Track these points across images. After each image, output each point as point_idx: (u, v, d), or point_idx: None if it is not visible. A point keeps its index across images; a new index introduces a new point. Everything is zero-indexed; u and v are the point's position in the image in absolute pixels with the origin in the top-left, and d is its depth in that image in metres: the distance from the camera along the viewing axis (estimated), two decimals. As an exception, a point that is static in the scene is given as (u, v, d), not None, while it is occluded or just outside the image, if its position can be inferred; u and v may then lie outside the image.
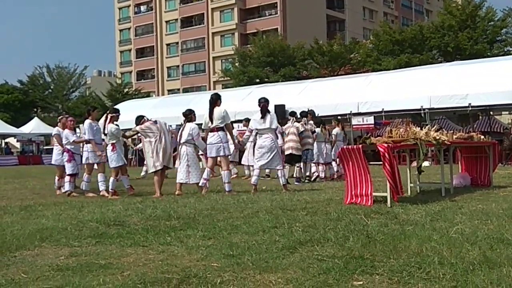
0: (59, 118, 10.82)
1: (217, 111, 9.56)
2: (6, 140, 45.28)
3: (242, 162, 15.43)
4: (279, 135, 11.64)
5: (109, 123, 10.14)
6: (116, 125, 10.22)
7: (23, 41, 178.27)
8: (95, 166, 10.54)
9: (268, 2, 59.82)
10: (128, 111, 21.09)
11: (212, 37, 63.42)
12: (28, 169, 28.57)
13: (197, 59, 64.51)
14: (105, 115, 10.72)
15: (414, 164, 9.20)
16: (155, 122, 9.93)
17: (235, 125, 16.44)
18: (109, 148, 10.10)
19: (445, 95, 20.91)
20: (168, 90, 65.56)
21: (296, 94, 25.63)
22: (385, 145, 7.00)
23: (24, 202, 9.00)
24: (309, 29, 54.12)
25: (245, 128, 13.40)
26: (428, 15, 73.98)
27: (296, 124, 12.30)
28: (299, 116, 12.82)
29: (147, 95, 58.82)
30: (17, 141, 45.54)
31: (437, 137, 8.05)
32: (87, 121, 10.19)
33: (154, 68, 69.39)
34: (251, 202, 7.73)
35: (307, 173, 13.09)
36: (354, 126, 23.55)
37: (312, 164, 13.32)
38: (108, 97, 55.31)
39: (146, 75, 70.44)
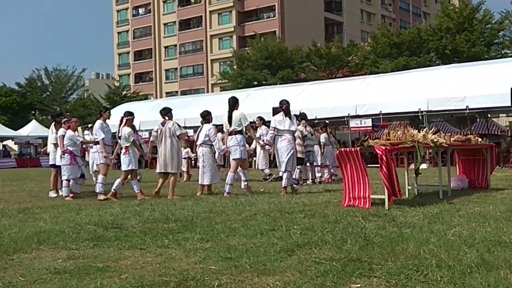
0: (64, 120, 10.73)
1: (235, 114, 9.85)
2: (4, 143, 45.19)
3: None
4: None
5: (123, 126, 10.12)
6: (133, 127, 10.28)
7: (21, 44, 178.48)
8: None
9: (266, 4, 59.82)
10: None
11: (210, 40, 63.39)
12: (26, 171, 28.52)
13: (195, 61, 64.47)
14: (119, 118, 10.47)
15: (412, 166, 9.22)
16: (162, 124, 9.86)
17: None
18: (122, 151, 10.03)
19: (443, 98, 20.93)
20: (166, 93, 65.57)
21: (294, 97, 25.47)
22: (383, 147, 7.02)
23: (22, 205, 8.98)
24: (307, 31, 54.12)
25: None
26: (426, 18, 74.12)
27: (300, 127, 12.40)
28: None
29: (145, 97, 58.57)
30: (15, 143, 45.40)
31: (435, 140, 8.07)
32: (98, 122, 10.22)
33: (152, 71, 69.31)
34: (249, 204, 7.75)
35: (310, 176, 13.36)
36: (352, 129, 23.56)
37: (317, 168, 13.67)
38: (106, 99, 55.17)
39: (144, 77, 70.33)
